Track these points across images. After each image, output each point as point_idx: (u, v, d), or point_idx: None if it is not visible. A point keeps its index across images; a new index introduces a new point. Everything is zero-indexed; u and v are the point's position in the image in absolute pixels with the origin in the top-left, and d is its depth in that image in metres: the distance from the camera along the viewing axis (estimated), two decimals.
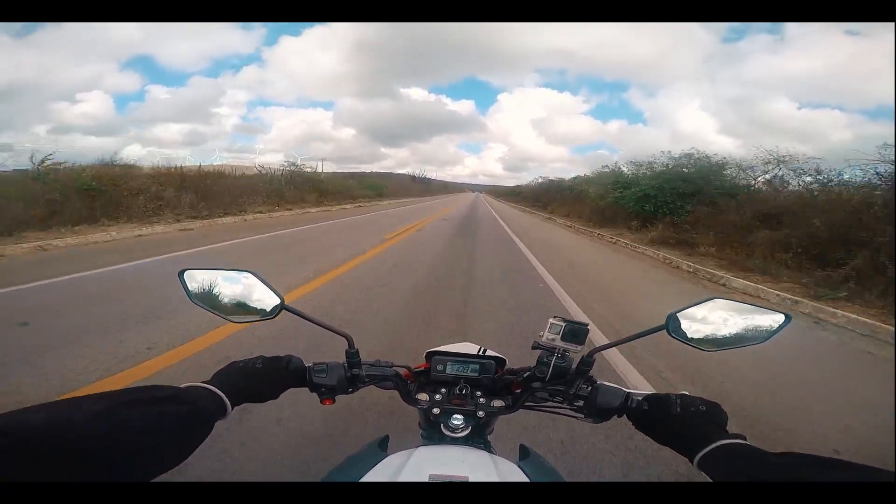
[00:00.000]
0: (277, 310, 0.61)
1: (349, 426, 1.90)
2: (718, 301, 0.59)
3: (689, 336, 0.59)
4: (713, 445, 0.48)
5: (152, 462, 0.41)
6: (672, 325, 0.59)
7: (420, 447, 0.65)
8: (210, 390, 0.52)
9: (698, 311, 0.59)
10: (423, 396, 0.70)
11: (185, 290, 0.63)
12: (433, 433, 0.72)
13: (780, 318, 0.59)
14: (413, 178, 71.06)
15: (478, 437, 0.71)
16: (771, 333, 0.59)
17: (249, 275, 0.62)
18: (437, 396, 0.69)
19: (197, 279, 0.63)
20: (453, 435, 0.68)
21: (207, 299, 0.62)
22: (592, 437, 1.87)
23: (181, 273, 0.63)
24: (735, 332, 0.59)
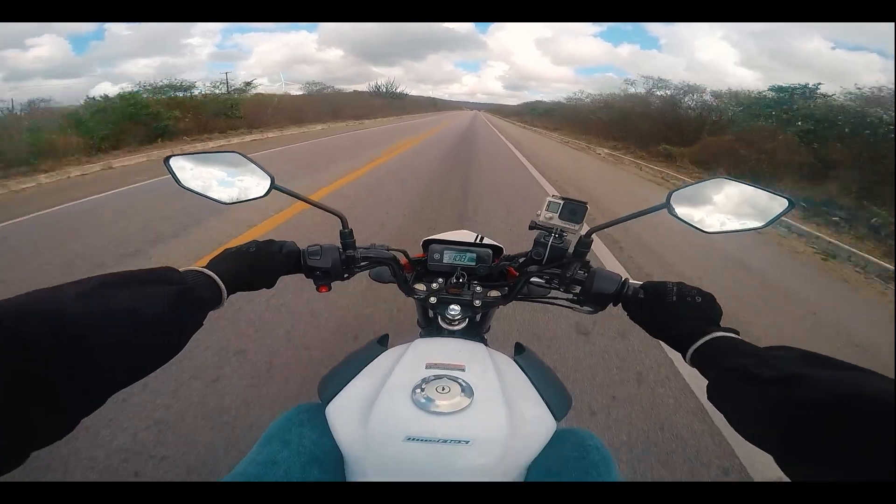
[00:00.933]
0: (268, 189, 0.60)
1: None
2: (720, 181, 0.57)
3: (688, 216, 0.58)
4: (706, 338, 0.47)
5: (141, 351, 0.38)
6: (672, 204, 0.57)
7: (417, 339, 0.66)
8: (205, 274, 0.50)
9: (700, 189, 0.57)
10: (421, 287, 0.70)
11: (174, 177, 0.61)
12: (431, 329, 0.73)
13: (784, 202, 0.57)
14: (375, 92, 44.84)
15: (475, 333, 0.72)
16: (772, 218, 0.58)
17: (237, 155, 0.60)
18: (434, 286, 0.69)
19: (185, 164, 0.61)
20: (451, 328, 0.69)
21: (197, 183, 0.61)
22: None
23: (167, 160, 0.60)
24: (735, 213, 0.57)
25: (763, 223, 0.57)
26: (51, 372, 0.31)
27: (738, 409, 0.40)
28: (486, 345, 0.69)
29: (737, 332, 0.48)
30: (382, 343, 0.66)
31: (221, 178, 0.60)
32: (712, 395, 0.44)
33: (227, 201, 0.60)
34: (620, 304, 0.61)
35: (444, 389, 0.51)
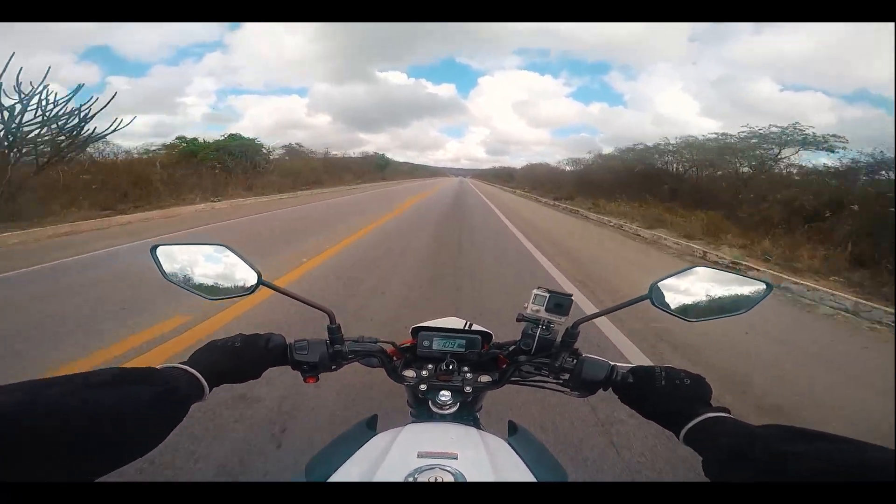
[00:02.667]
0: (255, 286, 0.60)
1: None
2: (700, 270, 0.59)
3: (671, 306, 0.59)
4: (698, 419, 0.48)
5: (121, 446, 0.39)
6: (655, 295, 0.59)
7: (408, 425, 0.65)
8: (186, 371, 0.51)
9: (680, 280, 0.59)
10: (410, 373, 0.69)
11: (159, 268, 0.60)
12: (422, 411, 0.71)
13: (762, 287, 0.59)
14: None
15: (466, 414, 0.71)
16: (753, 303, 0.59)
17: (225, 249, 0.60)
18: (424, 373, 0.68)
19: (171, 255, 0.60)
20: (441, 412, 0.68)
21: (182, 277, 0.60)
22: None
23: (153, 249, 0.60)
24: (717, 301, 0.59)
25: (745, 309, 0.59)
26: (29, 465, 0.32)
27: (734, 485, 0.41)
28: (478, 425, 0.68)
29: (728, 411, 0.49)
30: (371, 425, 0.65)
31: (206, 272, 0.60)
32: (708, 471, 0.45)
33: (212, 297, 0.59)
34: (611, 389, 0.61)
35: (436, 480, 0.50)
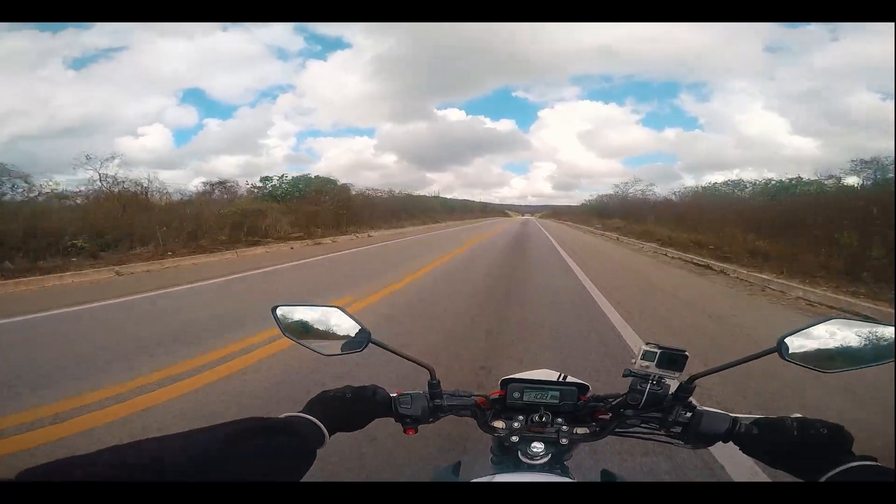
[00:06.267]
0: (364, 343, 0.63)
1: None
2: (836, 321, 0.55)
3: (802, 358, 0.55)
4: (841, 468, 0.44)
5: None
6: (784, 348, 0.55)
7: (498, 475, 0.64)
8: (311, 421, 0.54)
9: (813, 331, 0.55)
10: (500, 424, 0.69)
11: (278, 325, 0.66)
12: (506, 459, 0.71)
13: None
14: None
15: (555, 464, 0.69)
16: (894, 353, 0.54)
17: (337, 310, 0.64)
18: (515, 424, 0.68)
19: (288, 314, 0.66)
20: (531, 462, 0.66)
21: (299, 333, 0.65)
22: None
23: (274, 309, 0.66)
24: (853, 352, 0.54)
25: (887, 359, 0.54)
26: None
27: None
28: (568, 475, 0.66)
29: (874, 460, 0.44)
30: (455, 473, 0.65)
31: (320, 330, 0.65)
32: None
33: (326, 353, 0.63)
34: (731, 441, 0.58)
35: None
